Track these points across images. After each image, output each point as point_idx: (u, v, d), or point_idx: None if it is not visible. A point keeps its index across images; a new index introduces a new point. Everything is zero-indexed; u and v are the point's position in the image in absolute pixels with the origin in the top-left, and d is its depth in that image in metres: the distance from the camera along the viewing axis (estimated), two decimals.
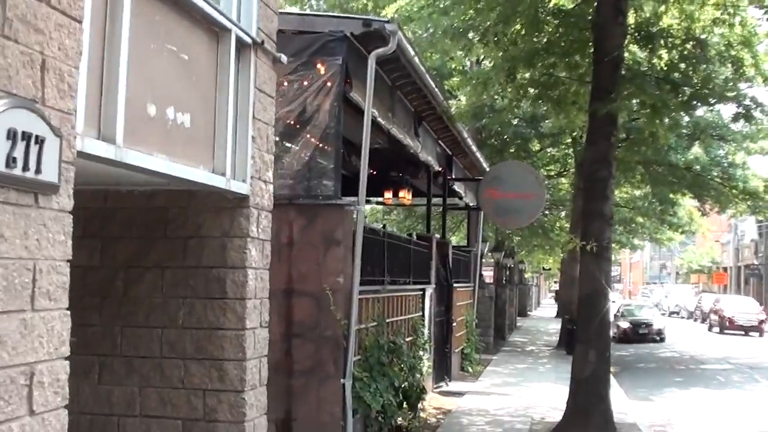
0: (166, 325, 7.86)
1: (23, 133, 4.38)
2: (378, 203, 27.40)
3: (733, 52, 18.08)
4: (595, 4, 15.26)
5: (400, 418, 13.39)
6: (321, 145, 11.47)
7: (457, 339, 21.86)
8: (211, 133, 7.14)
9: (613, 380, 16.31)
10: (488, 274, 39.28)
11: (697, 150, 31.28)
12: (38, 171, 4.52)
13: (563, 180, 40.16)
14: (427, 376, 16.44)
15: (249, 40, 7.63)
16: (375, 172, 18.14)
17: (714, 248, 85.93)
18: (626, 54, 16.11)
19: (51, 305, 4.69)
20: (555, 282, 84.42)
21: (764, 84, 18.82)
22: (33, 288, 4.53)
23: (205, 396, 7.69)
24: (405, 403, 13.57)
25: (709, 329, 49.03)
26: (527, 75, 17.25)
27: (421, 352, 15.49)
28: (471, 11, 17.22)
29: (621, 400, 17.60)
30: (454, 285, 20.98)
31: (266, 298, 8.17)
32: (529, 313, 63.39)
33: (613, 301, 18.66)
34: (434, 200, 21.68)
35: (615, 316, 37.67)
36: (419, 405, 14.67)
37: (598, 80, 14.88)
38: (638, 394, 20.20)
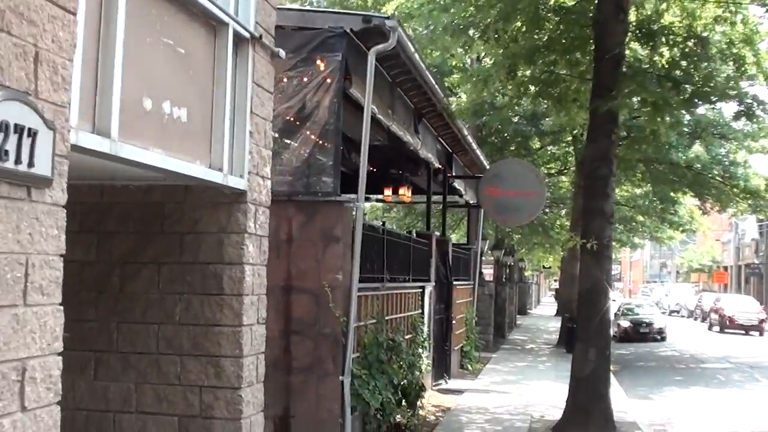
0: (163, 321, 7.80)
1: (16, 125, 4.33)
2: (378, 200, 27.31)
3: (734, 50, 18.05)
4: (596, 1, 15.23)
5: (398, 416, 13.35)
6: (320, 141, 11.44)
7: (456, 337, 21.82)
8: (208, 127, 7.09)
9: (613, 379, 16.27)
10: (488, 272, 39.24)
11: (698, 148, 31.26)
12: (31, 164, 4.46)
13: (564, 178, 40.11)
14: (427, 373, 16.40)
15: (247, 35, 7.57)
16: (375, 170, 18.11)
17: (714, 247, 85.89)
18: (627, 51, 16.10)
19: (44, 300, 4.63)
20: (555, 280, 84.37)
21: (766, 82, 18.83)
22: (25, 283, 4.48)
23: (202, 393, 7.64)
24: (404, 400, 13.53)
25: (710, 328, 48.99)
26: (528, 72, 17.25)
27: (420, 350, 15.45)
28: (471, 8, 17.19)
29: (621, 399, 17.56)
30: (454, 283, 20.93)
31: (263, 294, 8.12)
32: (528, 311, 63.37)
33: (614, 300, 18.60)
34: (434, 198, 21.62)
35: (615, 315, 37.53)
36: (418, 403, 14.63)
37: (599, 78, 14.85)
38: (638, 393, 20.15)
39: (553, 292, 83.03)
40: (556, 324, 40.46)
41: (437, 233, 20.01)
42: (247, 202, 7.66)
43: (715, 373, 25.61)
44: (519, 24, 16.56)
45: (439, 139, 19.41)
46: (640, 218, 44.73)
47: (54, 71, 4.69)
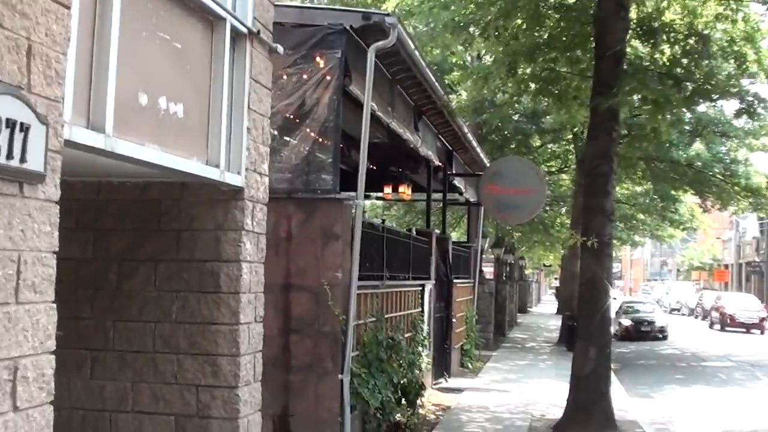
0: (160, 319, 7.73)
1: (8, 120, 4.26)
2: (378, 198, 27.29)
3: (735, 48, 18.01)
4: None
5: (398, 415, 13.30)
6: (320, 138, 11.40)
7: (456, 335, 21.77)
8: (204, 123, 7.02)
9: (613, 377, 16.21)
10: (488, 270, 39.13)
11: (698, 146, 31.24)
12: (23, 159, 4.39)
13: (564, 176, 40.04)
14: (427, 372, 16.34)
15: (244, 30, 7.50)
16: (375, 167, 18.05)
17: (715, 245, 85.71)
18: (628, 49, 16.06)
19: (36, 298, 4.56)
20: (555, 278, 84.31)
21: (767, 79, 18.73)
22: (17, 280, 4.40)
23: (199, 392, 7.57)
24: (404, 399, 13.47)
25: (711, 326, 48.95)
26: (528, 70, 17.20)
27: (420, 348, 15.39)
28: (472, 5, 17.18)
29: (622, 398, 17.51)
30: (454, 281, 20.87)
31: (261, 292, 8.05)
32: (529, 309, 63.31)
33: (614, 298, 18.54)
34: (434, 195, 21.56)
35: (617, 313, 37.43)
36: (418, 401, 14.56)
37: (600, 75, 14.81)
38: (639, 392, 20.11)
39: (554, 290, 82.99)
40: (556, 322, 40.40)
41: (437, 231, 19.96)
42: (244, 198, 7.59)
43: (716, 372, 25.55)
44: (519, 21, 16.53)
45: (440, 136, 19.35)
46: (641, 216, 44.71)
47: (47, 65, 4.62)
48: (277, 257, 10.89)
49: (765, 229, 65.89)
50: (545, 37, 16.55)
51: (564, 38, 16.25)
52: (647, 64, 16.75)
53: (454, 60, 28.58)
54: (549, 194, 32.39)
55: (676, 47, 16.70)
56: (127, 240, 7.97)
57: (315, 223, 11.30)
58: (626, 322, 38.51)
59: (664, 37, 16.59)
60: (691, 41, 16.57)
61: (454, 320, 20.94)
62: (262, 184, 8.04)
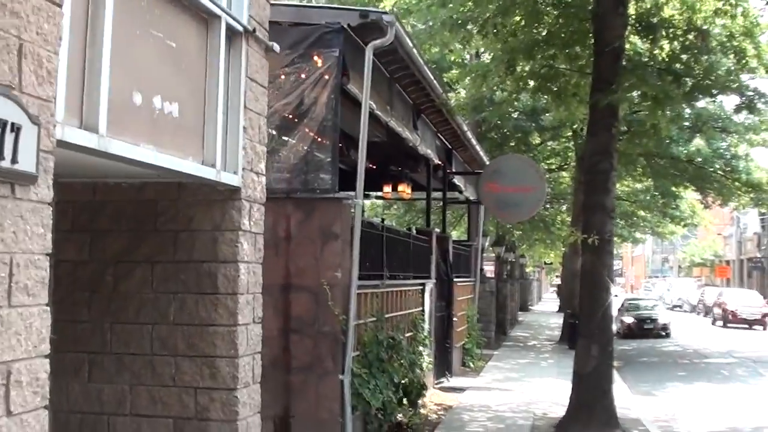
0: (157, 321, 7.66)
1: None
2: (377, 198, 27.25)
3: (735, 43, 17.89)
4: None
5: (400, 415, 13.26)
6: (318, 138, 11.37)
7: (458, 334, 21.71)
8: (200, 123, 6.95)
9: (616, 375, 16.17)
10: (489, 269, 39.04)
11: (699, 142, 31.15)
12: (14, 160, 4.32)
13: (564, 174, 39.98)
14: (428, 371, 16.28)
15: (240, 28, 7.43)
16: (374, 166, 18.00)
17: (716, 241, 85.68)
18: (627, 45, 15.98)
19: (29, 301, 4.49)
20: (556, 276, 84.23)
21: (767, 74, 18.65)
22: (9, 283, 4.33)
23: (197, 394, 7.49)
24: (405, 399, 13.42)
25: (713, 323, 48.86)
26: (527, 67, 17.13)
27: (421, 348, 15.34)
28: (470, 3, 17.15)
29: (624, 395, 17.46)
30: (455, 280, 20.83)
31: (259, 293, 7.98)
32: (530, 307, 63.34)
33: (616, 296, 18.48)
34: (434, 194, 21.52)
35: (619, 311, 37.35)
36: (420, 401, 14.52)
37: (599, 71, 14.76)
38: (641, 389, 20.04)
39: (555, 288, 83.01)
40: (558, 320, 40.36)
41: (437, 230, 19.92)
42: (241, 198, 7.53)
43: (718, 368, 25.48)
44: (518, 18, 16.49)
45: (439, 135, 19.29)
46: (642, 213, 44.67)
47: (39, 64, 4.56)
48: (277, 257, 10.85)
49: (766, 224, 65.91)
50: (544, 33, 16.48)
51: (563, 35, 16.19)
52: (646, 60, 16.68)
53: (452, 58, 28.51)
54: (549, 192, 32.30)
55: (676, 43, 16.61)
56: (124, 241, 7.90)
57: (314, 223, 11.27)
58: (628, 319, 38.22)
59: (663, 33, 16.51)
60: (690, 36, 16.48)
61: (455, 319, 20.89)
62: (259, 184, 7.98)
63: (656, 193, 38.18)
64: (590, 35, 15.41)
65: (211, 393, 7.45)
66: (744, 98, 17.55)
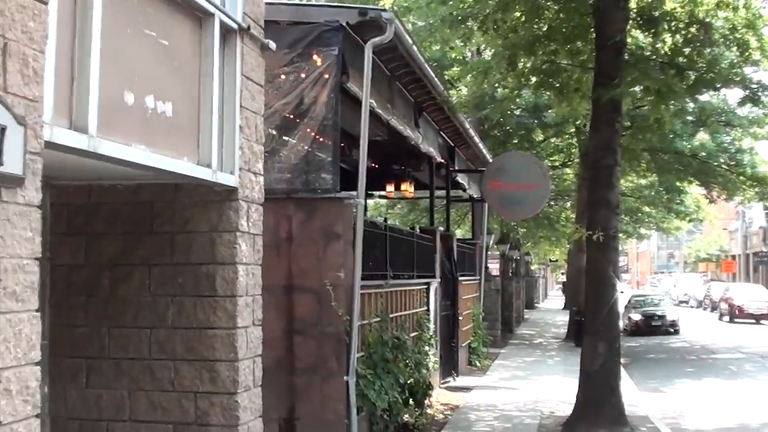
0: (155, 324, 7.53)
1: None
2: (380, 197, 27.15)
3: (737, 36, 17.75)
4: None
5: (406, 415, 13.16)
6: (319, 137, 11.30)
7: (463, 333, 21.61)
8: (195, 122, 6.82)
9: (623, 372, 16.03)
10: (494, 267, 38.87)
11: (703, 136, 31.05)
12: (0, 162, 4.20)
13: (568, 170, 39.88)
14: (434, 371, 16.18)
15: (234, 26, 7.31)
16: (376, 166, 17.91)
17: (722, 236, 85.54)
18: (629, 39, 15.90)
19: (18, 307, 4.36)
20: (562, 273, 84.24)
21: None
22: None
23: (197, 399, 7.37)
24: (411, 399, 13.34)
25: (719, 318, 48.67)
26: (528, 63, 17.04)
27: (426, 348, 15.24)
28: None
29: (632, 393, 17.33)
30: (460, 278, 20.73)
31: (259, 295, 7.86)
32: (536, 305, 63.26)
33: (622, 292, 18.35)
34: (437, 193, 21.41)
35: (626, 307, 37.07)
36: (426, 401, 14.43)
37: (601, 66, 14.66)
38: (649, 386, 19.92)
39: (561, 286, 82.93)
40: (564, 317, 40.21)
41: (441, 228, 19.80)
42: (238, 199, 7.40)
43: (726, 364, 25.31)
44: (518, 14, 16.37)
45: (441, 133, 19.19)
46: (646, 209, 44.59)
47: (24, 64, 4.43)
48: (278, 258, 10.78)
49: None
50: (545, 29, 16.37)
51: (564, 30, 16.07)
52: (649, 53, 16.57)
53: (453, 55, 28.43)
54: (553, 189, 32.25)
55: (678, 36, 16.47)
56: (120, 244, 7.78)
57: (316, 223, 11.19)
58: (636, 316, 37.59)
59: (665, 26, 16.37)
60: (692, 30, 16.34)
61: (460, 318, 20.80)
62: (257, 184, 7.85)
63: (661, 189, 38.10)
64: (591, 30, 15.29)
65: (211, 397, 7.33)
66: (748, 91, 17.38)
